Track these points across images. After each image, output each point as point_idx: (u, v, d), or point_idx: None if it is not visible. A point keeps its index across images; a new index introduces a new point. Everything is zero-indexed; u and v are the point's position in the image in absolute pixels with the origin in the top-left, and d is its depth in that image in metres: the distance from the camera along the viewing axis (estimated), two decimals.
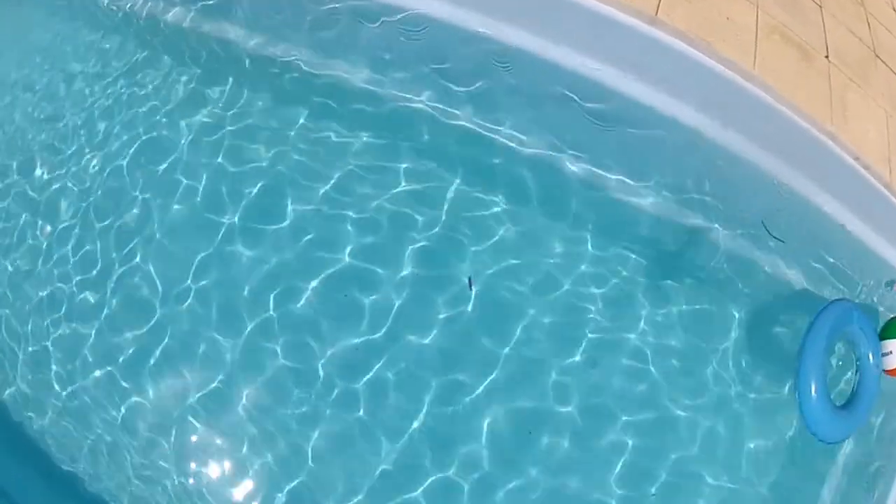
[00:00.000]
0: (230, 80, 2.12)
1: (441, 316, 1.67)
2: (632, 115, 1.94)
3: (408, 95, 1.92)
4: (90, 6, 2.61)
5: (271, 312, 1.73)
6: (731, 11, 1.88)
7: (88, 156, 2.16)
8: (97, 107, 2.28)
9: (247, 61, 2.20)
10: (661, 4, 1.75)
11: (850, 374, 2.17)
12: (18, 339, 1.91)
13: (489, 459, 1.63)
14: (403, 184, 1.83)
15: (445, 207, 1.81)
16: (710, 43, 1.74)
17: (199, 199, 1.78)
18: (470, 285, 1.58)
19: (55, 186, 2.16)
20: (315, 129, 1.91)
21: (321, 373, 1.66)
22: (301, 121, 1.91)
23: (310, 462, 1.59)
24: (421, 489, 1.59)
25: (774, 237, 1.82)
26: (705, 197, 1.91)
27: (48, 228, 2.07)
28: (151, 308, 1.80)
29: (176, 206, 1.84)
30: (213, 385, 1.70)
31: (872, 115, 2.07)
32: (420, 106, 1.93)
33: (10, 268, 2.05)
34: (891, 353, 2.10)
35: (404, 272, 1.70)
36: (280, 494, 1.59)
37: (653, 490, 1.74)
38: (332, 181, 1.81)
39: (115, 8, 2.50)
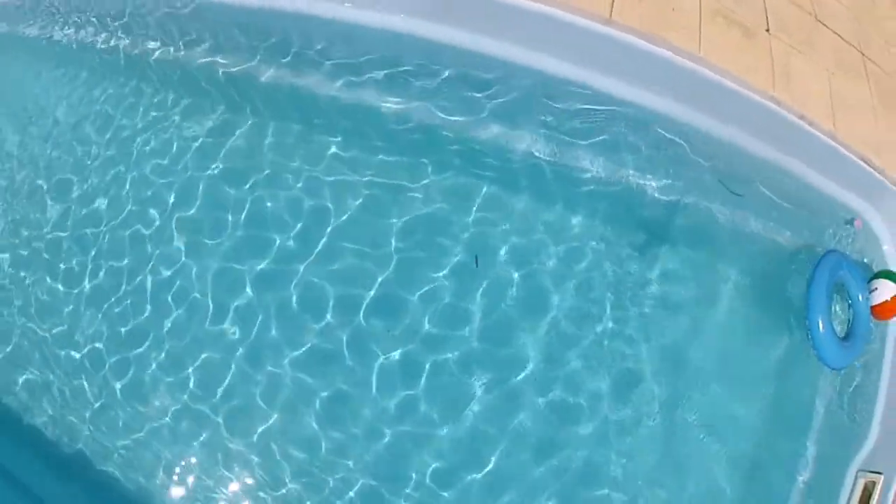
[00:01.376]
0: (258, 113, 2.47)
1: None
2: (604, 106, 2.26)
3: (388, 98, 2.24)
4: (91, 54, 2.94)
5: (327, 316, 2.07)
6: (677, 3, 2.18)
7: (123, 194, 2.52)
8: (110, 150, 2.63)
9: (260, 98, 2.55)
10: (614, 7, 2.05)
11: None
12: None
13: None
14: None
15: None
16: (661, 36, 2.05)
17: (244, 220, 2.13)
18: (476, 262, 1.91)
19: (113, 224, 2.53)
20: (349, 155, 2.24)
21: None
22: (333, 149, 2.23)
23: None
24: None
25: (733, 192, 2.13)
26: (670, 167, 2.23)
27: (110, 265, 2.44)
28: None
29: (223, 229, 2.20)
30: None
31: (815, 77, 2.36)
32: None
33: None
34: (876, 289, 2.42)
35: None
36: None
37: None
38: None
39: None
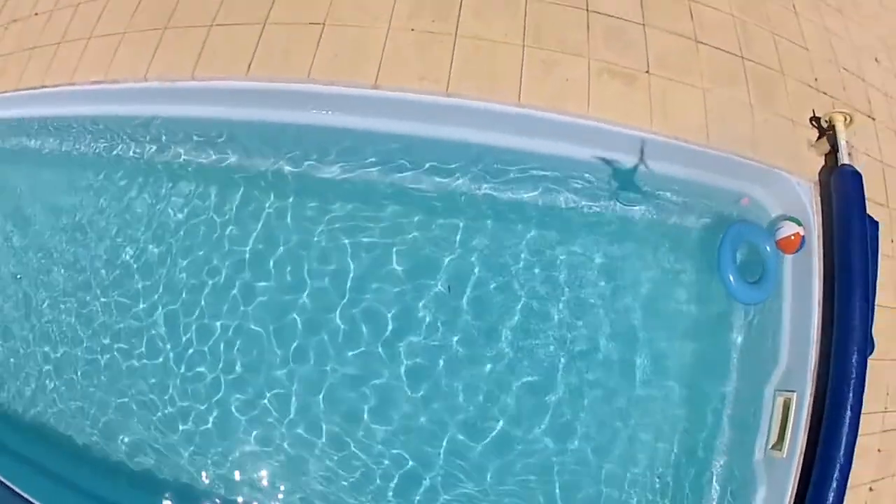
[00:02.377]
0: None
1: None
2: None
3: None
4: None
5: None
6: (569, 73, 2.95)
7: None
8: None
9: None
10: (521, 94, 2.86)
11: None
12: None
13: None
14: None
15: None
16: (559, 106, 2.85)
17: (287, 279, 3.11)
18: (449, 290, 2.83)
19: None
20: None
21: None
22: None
23: None
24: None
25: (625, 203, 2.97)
26: (595, 190, 3.07)
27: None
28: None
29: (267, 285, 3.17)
30: None
31: (691, 100, 3.08)
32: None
33: None
34: (780, 228, 3.20)
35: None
36: None
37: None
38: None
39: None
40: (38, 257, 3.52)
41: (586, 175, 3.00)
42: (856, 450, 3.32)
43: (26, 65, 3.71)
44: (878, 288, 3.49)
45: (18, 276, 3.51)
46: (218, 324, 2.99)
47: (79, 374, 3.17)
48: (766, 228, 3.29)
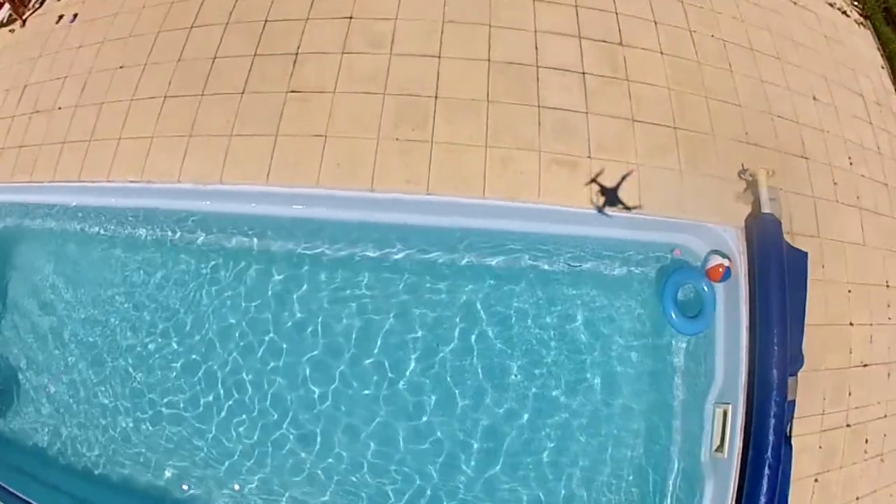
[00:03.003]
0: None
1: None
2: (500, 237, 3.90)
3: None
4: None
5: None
6: (523, 167, 3.72)
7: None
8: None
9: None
10: (486, 189, 3.67)
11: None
12: None
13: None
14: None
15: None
16: (516, 195, 3.64)
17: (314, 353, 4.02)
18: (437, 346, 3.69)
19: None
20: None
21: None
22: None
23: None
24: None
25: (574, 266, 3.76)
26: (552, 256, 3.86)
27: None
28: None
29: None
30: None
31: (623, 172, 3.81)
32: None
33: None
34: (708, 260, 3.91)
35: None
36: None
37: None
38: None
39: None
40: (85, 324, 4.37)
41: (543, 245, 3.80)
42: (798, 447, 4.05)
43: (58, 157, 4.43)
44: (808, 309, 4.18)
45: (72, 341, 4.41)
46: (245, 376, 3.86)
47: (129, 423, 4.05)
48: (701, 269, 4.01)
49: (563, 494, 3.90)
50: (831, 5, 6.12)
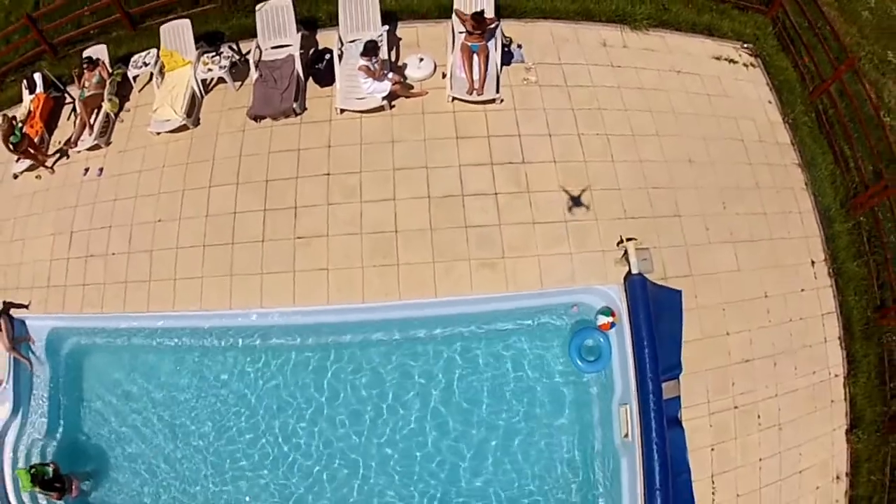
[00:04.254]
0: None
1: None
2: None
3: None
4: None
5: None
6: (459, 272, 5.60)
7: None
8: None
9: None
10: (437, 290, 5.57)
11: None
12: None
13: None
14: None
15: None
16: (455, 294, 5.54)
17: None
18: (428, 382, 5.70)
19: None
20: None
21: None
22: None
23: None
24: None
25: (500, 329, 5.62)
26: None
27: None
28: None
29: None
30: None
31: (530, 267, 5.60)
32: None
33: None
34: (597, 319, 5.69)
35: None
36: None
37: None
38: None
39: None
40: (166, 422, 6.18)
41: (482, 321, 5.70)
42: (691, 428, 5.74)
43: (124, 293, 6.17)
44: (685, 331, 5.84)
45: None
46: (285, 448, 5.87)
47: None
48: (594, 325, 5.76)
49: (530, 473, 5.78)
50: (717, 59, 7.50)
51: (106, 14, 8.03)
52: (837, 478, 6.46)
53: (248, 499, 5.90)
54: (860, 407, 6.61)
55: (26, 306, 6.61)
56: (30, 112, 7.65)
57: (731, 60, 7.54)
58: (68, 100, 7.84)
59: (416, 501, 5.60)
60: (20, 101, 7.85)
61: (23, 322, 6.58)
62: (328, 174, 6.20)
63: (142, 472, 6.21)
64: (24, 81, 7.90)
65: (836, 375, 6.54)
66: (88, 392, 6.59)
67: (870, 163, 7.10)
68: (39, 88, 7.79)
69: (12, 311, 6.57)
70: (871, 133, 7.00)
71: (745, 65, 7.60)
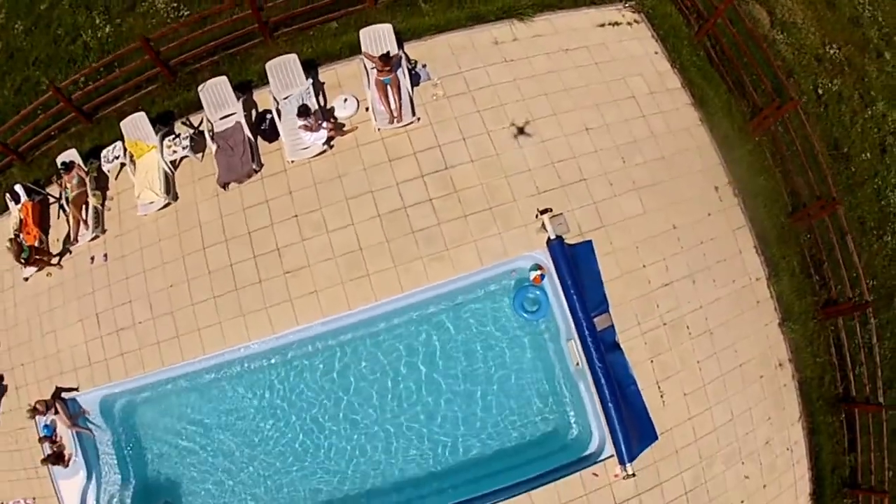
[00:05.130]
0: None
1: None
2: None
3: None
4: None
5: None
6: (415, 269, 8.91)
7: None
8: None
9: None
10: (402, 285, 8.92)
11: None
12: None
13: None
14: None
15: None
16: (418, 284, 8.88)
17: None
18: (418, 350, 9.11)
19: None
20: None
21: None
22: None
23: None
24: None
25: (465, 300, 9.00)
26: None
27: None
28: None
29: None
30: None
31: (470, 251, 8.92)
32: None
33: None
34: (530, 273, 9.08)
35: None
36: None
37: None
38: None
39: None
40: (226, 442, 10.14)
41: (446, 299, 9.07)
42: (629, 347, 9.11)
43: (159, 352, 9.36)
44: (603, 272, 9.17)
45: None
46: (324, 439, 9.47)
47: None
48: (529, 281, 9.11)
49: (511, 407, 9.23)
50: (601, 26, 10.64)
51: (61, 115, 11.28)
52: (780, 365, 9.73)
53: (301, 487, 9.44)
54: (788, 301, 9.84)
55: (76, 388, 9.87)
56: (21, 221, 10.95)
57: (615, 23, 10.66)
58: (52, 200, 11.13)
59: (428, 449, 9.08)
60: (2, 210, 11.00)
61: (74, 400, 9.94)
62: (296, 216, 9.48)
63: (211, 490, 9.75)
64: (7, 195, 11.15)
65: (758, 279, 9.76)
66: (147, 439, 9.97)
67: (768, 82, 9.97)
68: (24, 197, 10.85)
69: (64, 395, 9.99)
70: (765, 54, 9.94)
71: (629, 23, 10.73)
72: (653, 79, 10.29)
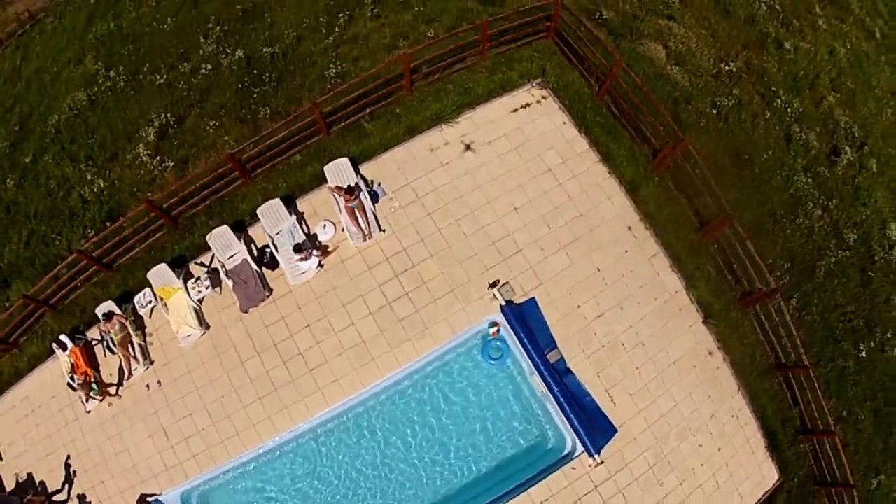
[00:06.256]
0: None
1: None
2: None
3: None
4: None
5: None
6: (410, 334, 15.96)
7: None
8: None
9: None
10: (398, 359, 15.97)
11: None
12: None
13: None
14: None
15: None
16: (405, 362, 15.94)
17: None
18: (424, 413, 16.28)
19: None
20: None
21: None
22: None
23: None
24: None
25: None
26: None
27: None
28: None
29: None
30: None
31: (443, 327, 15.94)
32: None
33: None
34: (491, 329, 16.26)
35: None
36: None
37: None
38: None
39: None
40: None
41: (433, 366, 16.20)
42: (578, 370, 15.86)
43: (225, 448, 15.79)
44: (547, 319, 16.28)
45: None
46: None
47: None
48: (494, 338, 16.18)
49: (498, 430, 16.53)
50: (514, 111, 17.38)
51: (85, 269, 18.16)
52: (710, 353, 16.20)
53: None
54: (707, 302, 16.23)
55: (158, 495, 17.11)
56: (73, 364, 17.96)
57: (526, 105, 17.34)
58: (94, 342, 18.13)
59: (448, 472, 16.16)
60: (46, 356, 17.32)
61: (157, 500, 17.12)
62: (308, 325, 16.37)
63: None
64: (54, 344, 17.97)
65: (677, 292, 16.27)
66: None
67: (661, 127, 16.28)
68: (70, 344, 17.82)
69: (148, 499, 17.14)
70: (653, 104, 16.52)
71: (538, 101, 17.40)
72: (563, 148, 16.94)
